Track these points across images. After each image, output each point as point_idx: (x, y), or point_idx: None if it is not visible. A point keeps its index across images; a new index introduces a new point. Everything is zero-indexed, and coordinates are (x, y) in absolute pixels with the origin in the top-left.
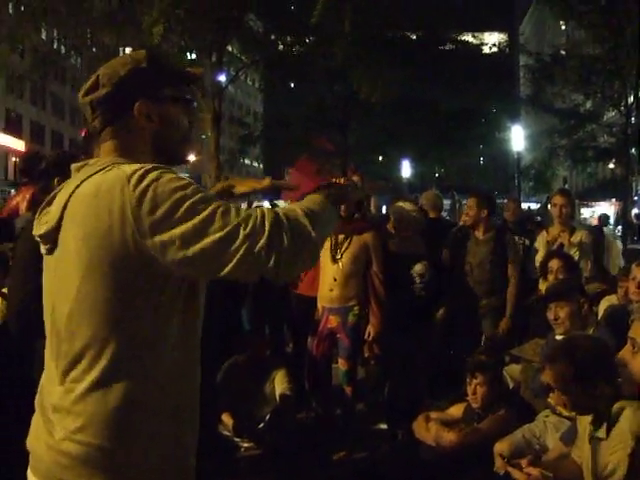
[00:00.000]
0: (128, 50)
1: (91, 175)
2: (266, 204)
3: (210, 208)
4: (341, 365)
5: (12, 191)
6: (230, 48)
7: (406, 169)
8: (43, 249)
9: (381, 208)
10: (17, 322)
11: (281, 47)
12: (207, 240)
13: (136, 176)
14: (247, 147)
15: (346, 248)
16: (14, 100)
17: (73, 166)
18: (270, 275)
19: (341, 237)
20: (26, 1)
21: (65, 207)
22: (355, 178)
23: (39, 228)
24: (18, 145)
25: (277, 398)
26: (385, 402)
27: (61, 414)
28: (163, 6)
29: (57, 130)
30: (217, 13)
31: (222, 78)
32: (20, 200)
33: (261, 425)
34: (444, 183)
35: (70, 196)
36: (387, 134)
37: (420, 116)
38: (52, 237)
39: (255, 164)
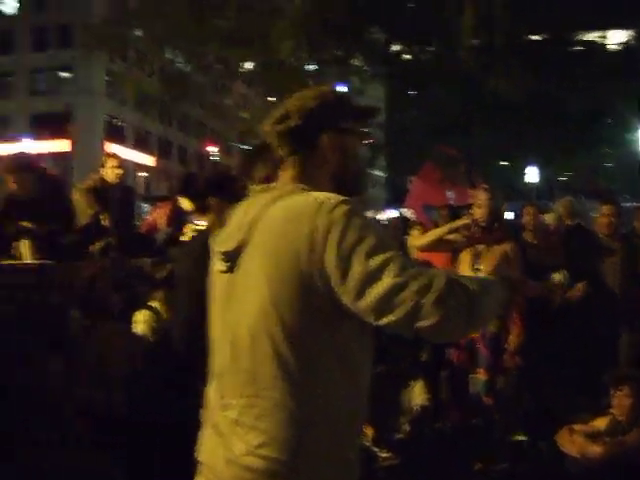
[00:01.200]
0: (248, 65)
1: (277, 199)
2: (394, 213)
3: (388, 255)
4: (481, 375)
5: (144, 205)
6: (354, 61)
7: (532, 174)
8: (222, 266)
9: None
10: (183, 338)
11: (407, 57)
12: (376, 287)
13: (329, 204)
14: (375, 156)
15: (486, 257)
16: (142, 118)
17: (254, 188)
18: (423, 335)
19: (481, 247)
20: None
21: (251, 228)
22: (484, 186)
23: (221, 245)
24: (148, 160)
25: (415, 408)
26: (524, 413)
27: (243, 429)
28: (291, 22)
29: (183, 145)
30: (342, 27)
31: (344, 89)
32: (158, 216)
33: (400, 435)
34: (571, 188)
35: (256, 217)
36: (514, 138)
37: (546, 119)
38: (235, 255)
39: (380, 173)
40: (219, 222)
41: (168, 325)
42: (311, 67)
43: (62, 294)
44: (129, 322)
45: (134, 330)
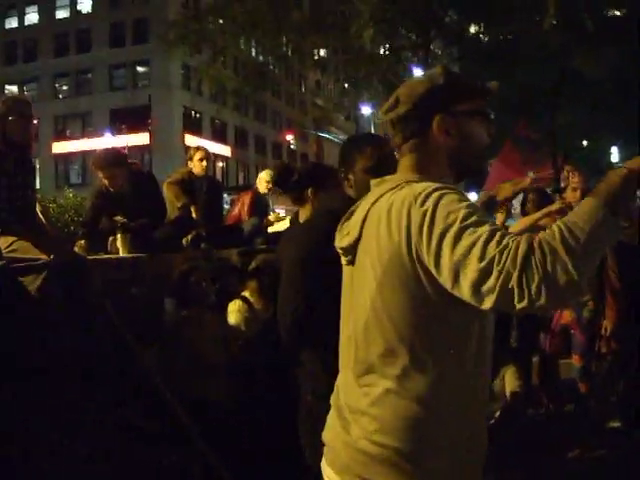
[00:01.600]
0: (322, 52)
1: (386, 192)
2: (473, 195)
3: (474, 236)
4: (575, 361)
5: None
6: (433, 48)
7: (615, 154)
8: (344, 260)
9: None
10: (289, 332)
11: (484, 38)
12: (464, 276)
13: (422, 196)
14: None
15: None
16: (219, 109)
17: (372, 182)
18: (528, 311)
19: None
20: (234, 16)
21: (364, 222)
22: (567, 168)
23: (341, 241)
24: (224, 151)
25: (507, 395)
26: (619, 399)
27: (357, 415)
28: (372, 10)
29: (259, 134)
30: (421, 12)
31: (419, 72)
32: (240, 207)
33: (491, 422)
34: None
35: (368, 212)
36: (598, 117)
37: (632, 97)
38: (352, 250)
39: None
40: (322, 213)
41: (264, 315)
42: (388, 52)
43: (157, 287)
44: (223, 312)
45: (228, 320)
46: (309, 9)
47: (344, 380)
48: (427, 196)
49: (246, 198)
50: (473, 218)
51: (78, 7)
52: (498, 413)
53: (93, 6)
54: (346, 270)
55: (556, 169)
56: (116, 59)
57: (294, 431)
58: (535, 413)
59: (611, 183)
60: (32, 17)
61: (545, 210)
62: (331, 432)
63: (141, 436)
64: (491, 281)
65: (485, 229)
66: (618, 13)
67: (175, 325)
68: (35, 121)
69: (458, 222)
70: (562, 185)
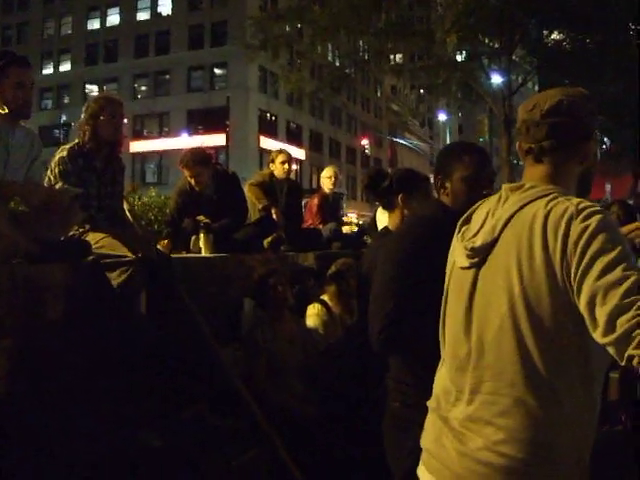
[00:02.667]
0: (398, 58)
1: (536, 199)
2: None
3: (627, 274)
4: None
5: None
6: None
7: None
8: (466, 262)
9: None
10: (379, 338)
11: (567, 46)
12: (602, 303)
13: (586, 212)
14: None
15: None
16: (294, 112)
17: (505, 186)
18: (629, 364)
19: None
20: (316, 19)
21: (505, 225)
22: None
23: (471, 241)
24: (299, 154)
25: None
26: None
27: (479, 425)
28: (455, 16)
29: (334, 138)
30: (505, 18)
31: (498, 79)
32: (309, 211)
33: None
34: None
35: (512, 215)
36: None
37: None
38: (486, 251)
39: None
40: (418, 219)
41: (342, 319)
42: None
43: (238, 287)
44: (302, 315)
45: (307, 323)
46: (393, 14)
47: (455, 386)
48: (591, 214)
49: (313, 202)
50: (630, 258)
51: (158, 9)
52: None
53: (173, 8)
54: (463, 272)
55: (636, 181)
56: (194, 61)
57: (374, 437)
58: (610, 430)
59: None
60: (113, 19)
61: (632, 226)
62: (437, 441)
63: (216, 434)
64: (622, 321)
65: (638, 274)
66: None
67: (254, 325)
68: (125, 121)
69: (616, 252)
70: None
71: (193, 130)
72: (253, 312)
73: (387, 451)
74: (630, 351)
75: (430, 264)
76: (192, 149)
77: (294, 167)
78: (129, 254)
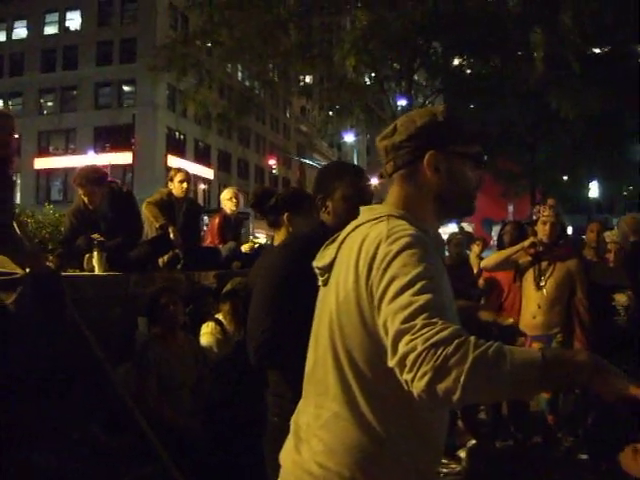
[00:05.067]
0: (308, 79)
1: (367, 221)
2: (452, 227)
3: (413, 299)
4: (544, 393)
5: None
6: (417, 77)
7: (594, 189)
8: (320, 281)
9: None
10: (258, 353)
11: (468, 71)
12: (390, 327)
13: (394, 236)
14: None
15: (550, 274)
16: (203, 131)
17: (362, 208)
18: (409, 386)
19: (544, 264)
20: (221, 41)
21: (341, 244)
22: (550, 202)
23: (320, 260)
24: (207, 173)
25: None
26: (587, 432)
27: (309, 435)
28: (354, 39)
29: (243, 158)
30: (405, 42)
31: (403, 102)
32: (210, 230)
33: (461, 451)
34: (634, 202)
35: (347, 236)
36: (577, 153)
37: (608, 133)
38: (328, 270)
39: None
40: (295, 237)
41: (237, 336)
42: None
43: (132, 306)
44: (196, 334)
45: (201, 341)
46: (296, 36)
47: (305, 399)
48: (398, 238)
49: (215, 222)
50: (423, 282)
51: (67, 24)
52: (470, 442)
53: (82, 24)
54: (321, 291)
55: (533, 202)
56: (102, 77)
57: (260, 452)
58: (504, 444)
59: (574, 361)
60: (20, 32)
61: (518, 247)
62: (285, 451)
63: (106, 452)
64: (401, 345)
65: (426, 298)
66: (598, 51)
67: (146, 344)
68: (17, 136)
69: (410, 277)
70: (534, 218)
71: (100, 148)
72: (147, 331)
73: (267, 464)
74: (404, 376)
75: (305, 281)
76: (85, 167)
77: (202, 187)
78: (19, 270)
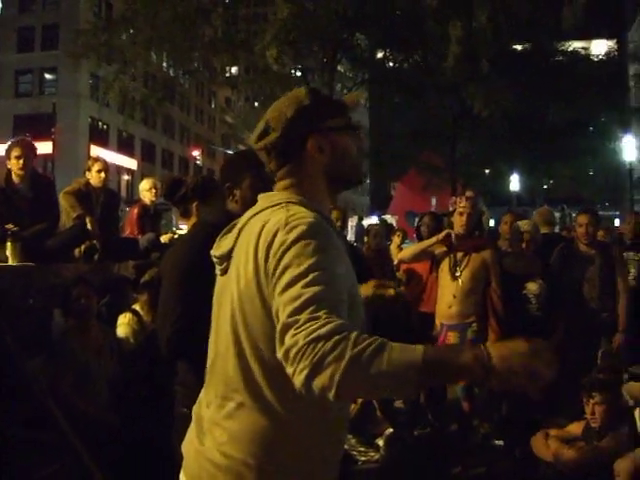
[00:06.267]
0: (234, 70)
1: (267, 208)
2: (374, 219)
3: (303, 291)
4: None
5: (127, 209)
6: (339, 67)
7: (514, 182)
8: (218, 270)
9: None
10: (168, 344)
11: (390, 64)
12: (281, 317)
13: (292, 224)
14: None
15: (465, 265)
16: (126, 121)
17: (260, 196)
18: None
19: (460, 254)
20: (141, 28)
21: (240, 232)
22: (469, 194)
23: (217, 249)
24: (131, 163)
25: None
26: (502, 418)
27: (212, 426)
28: (275, 30)
29: (167, 148)
30: (328, 34)
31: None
32: (129, 221)
33: (379, 440)
34: (553, 196)
35: (246, 223)
36: (495, 147)
37: (528, 128)
38: (227, 259)
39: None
40: (200, 226)
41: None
42: (298, 73)
43: (45, 297)
44: (113, 325)
45: (117, 332)
46: (220, 27)
47: (206, 390)
48: (295, 226)
49: (133, 212)
50: (315, 274)
51: None
52: (387, 431)
53: (2, 9)
54: (219, 280)
55: (455, 194)
56: (23, 64)
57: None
58: (421, 431)
59: (457, 363)
60: None
61: (433, 239)
62: (188, 441)
63: (21, 446)
64: (286, 338)
65: (314, 291)
66: (520, 48)
67: (61, 336)
68: None
69: (303, 267)
70: (450, 209)
71: (20, 136)
72: (61, 321)
73: (177, 455)
74: (287, 368)
75: (211, 270)
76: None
77: (126, 177)
78: None
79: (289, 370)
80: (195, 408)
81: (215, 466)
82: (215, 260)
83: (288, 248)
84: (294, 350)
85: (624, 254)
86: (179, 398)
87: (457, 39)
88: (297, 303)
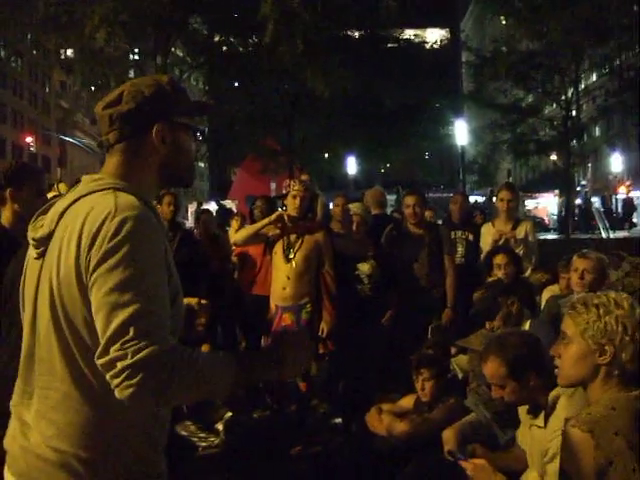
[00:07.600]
0: (70, 53)
1: (92, 192)
2: (212, 205)
3: (130, 298)
4: None
5: None
6: (175, 50)
7: (351, 166)
8: (34, 253)
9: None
10: None
11: (225, 48)
12: (100, 320)
13: (120, 217)
14: (198, 148)
15: (299, 247)
16: None
17: (84, 177)
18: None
19: (293, 237)
20: None
21: (62, 215)
22: (304, 177)
23: (34, 232)
24: None
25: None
26: (340, 397)
27: (37, 419)
28: (104, 12)
29: None
30: (160, 16)
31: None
32: None
33: (218, 424)
34: (389, 179)
35: (69, 206)
36: (332, 131)
37: (365, 113)
38: (46, 242)
39: (201, 164)
40: (16, 213)
41: None
42: (136, 57)
43: None
44: None
45: None
46: (50, 6)
47: (24, 379)
48: (125, 220)
49: None
50: (144, 279)
51: None
52: (225, 415)
53: None
54: (34, 264)
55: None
56: None
57: None
58: (261, 414)
59: (262, 368)
60: None
61: (265, 220)
62: (10, 436)
63: None
64: (113, 349)
65: (142, 303)
66: (355, 35)
67: None
68: None
69: (131, 272)
70: (283, 192)
71: None
72: None
73: None
74: (112, 378)
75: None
76: None
77: None
78: None
79: (112, 381)
80: (13, 401)
81: (46, 462)
82: (32, 243)
83: (115, 247)
84: (120, 365)
85: (452, 233)
86: None
87: (271, 16)
88: (125, 315)
